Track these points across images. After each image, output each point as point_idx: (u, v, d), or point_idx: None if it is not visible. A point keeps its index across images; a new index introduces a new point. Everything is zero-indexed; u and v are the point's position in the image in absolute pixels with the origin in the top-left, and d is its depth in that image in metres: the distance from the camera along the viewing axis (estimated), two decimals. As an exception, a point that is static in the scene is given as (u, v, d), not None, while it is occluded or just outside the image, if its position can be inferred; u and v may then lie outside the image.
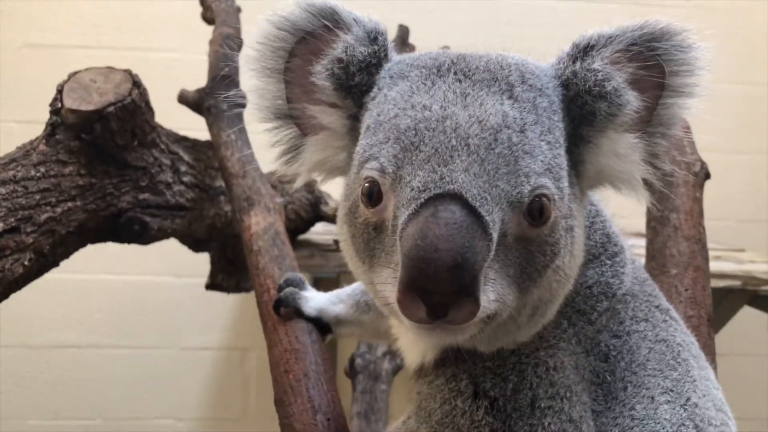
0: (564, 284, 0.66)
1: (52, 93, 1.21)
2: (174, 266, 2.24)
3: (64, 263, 1.21)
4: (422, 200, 0.56)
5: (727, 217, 2.38)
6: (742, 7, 2.43)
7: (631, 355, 0.74)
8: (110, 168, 1.25)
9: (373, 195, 0.61)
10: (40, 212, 1.11)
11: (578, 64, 0.65)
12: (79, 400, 2.27)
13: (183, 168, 1.39)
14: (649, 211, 1.17)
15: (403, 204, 0.58)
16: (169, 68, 2.14)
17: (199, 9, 1.65)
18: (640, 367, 0.73)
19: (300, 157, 0.74)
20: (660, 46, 0.64)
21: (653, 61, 0.65)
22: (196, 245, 1.56)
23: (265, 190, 1.26)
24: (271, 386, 0.94)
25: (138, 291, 2.28)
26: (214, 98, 1.42)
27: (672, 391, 0.73)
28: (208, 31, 1.58)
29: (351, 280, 1.04)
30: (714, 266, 1.20)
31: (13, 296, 1.09)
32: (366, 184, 0.61)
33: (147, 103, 1.27)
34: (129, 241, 1.33)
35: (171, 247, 1.54)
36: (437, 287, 0.53)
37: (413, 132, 0.60)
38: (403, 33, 1.65)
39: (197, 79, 1.48)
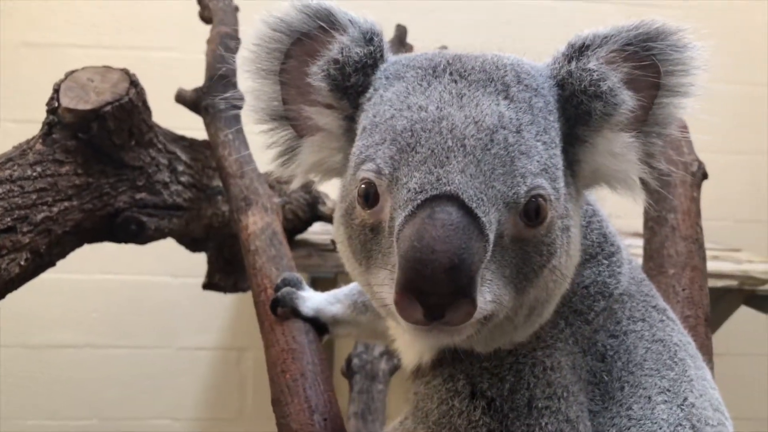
0: (560, 284, 0.66)
1: (50, 92, 1.20)
2: (171, 266, 2.24)
3: (60, 263, 1.21)
4: (419, 201, 0.56)
5: (724, 217, 2.39)
6: (740, 8, 2.43)
7: (628, 355, 0.74)
8: (107, 167, 1.25)
9: (369, 196, 0.61)
10: (36, 212, 1.11)
11: (573, 63, 0.65)
12: (76, 400, 2.27)
13: (180, 168, 1.38)
14: (646, 212, 1.17)
15: (400, 205, 0.58)
16: (167, 67, 2.13)
17: (197, 8, 1.65)
18: (637, 366, 0.73)
19: (296, 159, 0.73)
20: (655, 46, 0.64)
21: (648, 60, 0.65)
22: (193, 245, 1.56)
23: (263, 189, 1.25)
24: (268, 386, 0.94)
25: (135, 291, 2.27)
26: (212, 98, 1.42)
27: (669, 390, 0.73)
28: (206, 30, 1.57)
29: (348, 280, 1.04)
30: (711, 266, 1.20)
31: (10, 296, 1.09)
32: (362, 186, 0.61)
33: (144, 102, 1.27)
34: (126, 241, 1.33)
35: (168, 246, 1.53)
36: (434, 288, 0.53)
37: (409, 133, 0.60)
38: (401, 33, 1.65)
39: (195, 78, 1.48)
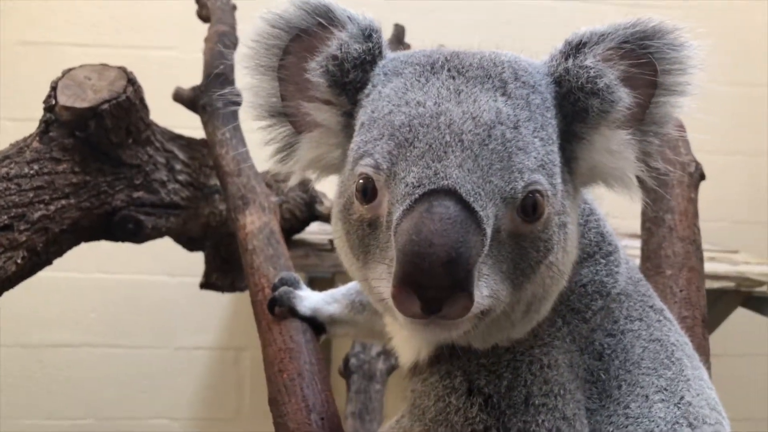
0: (557, 280, 0.66)
1: (47, 91, 1.20)
2: (168, 265, 2.24)
3: (57, 262, 1.21)
4: (417, 196, 0.57)
5: (723, 219, 2.39)
6: (739, 8, 2.43)
7: (626, 354, 0.74)
8: (104, 166, 1.24)
9: (367, 191, 0.61)
10: (33, 210, 1.11)
11: (570, 61, 0.65)
12: (73, 400, 2.27)
13: (178, 166, 1.38)
14: (643, 212, 1.17)
15: (398, 200, 0.58)
16: (165, 66, 2.13)
17: (195, 7, 1.65)
18: (634, 365, 0.74)
19: (294, 155, 0.74)
20: (652, 44, 0.65)
21: (645, 58, 0.65)
22: (190, 244, 1.56)
23: (261, 189, 1.25)
24: (266, 386, 0.93)
25: (132, 290, 2.27)
26: (209, 96, 1.41)
27: (666, 389, 0.73)
28: (203, 29, 1.57)
29: (346, 279, 1.04)
30: (708, 267, 1.20)
31: (6, 295, 1.09)
32: (360, 181, 0.62)
33: (142, 100, 1.27)
34: (123, 240, 1.32)
35: (165, 246, 1.53)
36: (432, 282, 0.53)
37: (407, 128, 0.60)
38: (399, 32, 1.65)
39: (193, 77, 1.48)
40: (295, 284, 1.02)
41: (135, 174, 1.29)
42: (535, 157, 0.60)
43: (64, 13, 2.21)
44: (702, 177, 1.21)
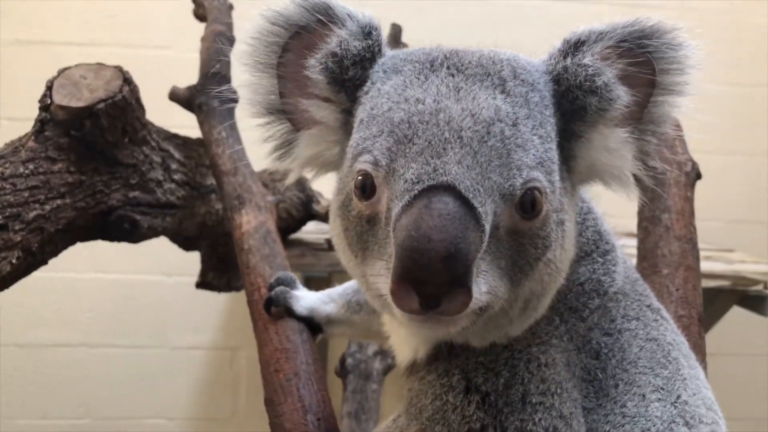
0: (555, 278, 0.66)
1: (42, 90, 1.20)
2: (164, 265, 2.23)
3: (53, 261, 1.20)
4: (416, 192, 0.57)
5: (719, 218, 2.39)
6: (738, 10, 2.44)
7: (622, 353, 0.74)
8: (100, 165, 1.24)
9: (366, 188, 0.62)
10: (28, 210, 1.10)
11: (569, 59, 0.66)
12: (69, 400, 2.26)
13: (174, 166, 1.38)
14: (640, 212, 1.17)
15: (397, 196, 0.58)
16: (161, 65, 2.13)
17: (191, 6, 1.64)
18: (631, 364, 0.74)
19: (293, 152, 0.74)
20: (650, 44, 0.65)
21: (643, 57, 0.66)
22: (186, 244, 1.55)
23: (257, 188, 1.25)
24: (262, 386, 0.93)
25: (128, 290, 2.27)
26: (206, 95, 1.41)
27: (663, 389, 0.73)
28: (200, 28, 1.57)
29: (343, 279, 1.04)
30: (704, 266, 1.20)
31: (2, 295, 1.09)
32: (359, 177, 0.62)
33: (138, 100, 1.26)
34: (119, 240, 1.32)
35: (161, 245, 1.53)
36: (430, 277, 0.54)
37: (407, 125, 0.60)
38: (396, 32, 1.64)
39: (189, 76, 1.47)
40: (291, 284, 1.02)
41: (131, 173, 1.29)
42: (533, 155, 0.61)
43: (55, 11, 2.20)
44: (698, 176, 1.21)
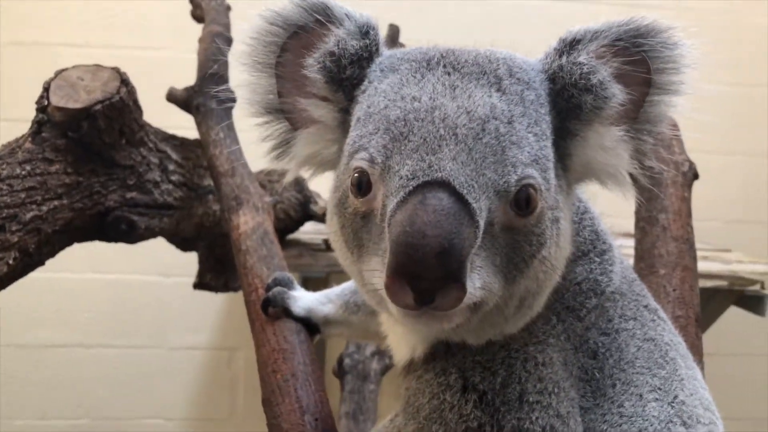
0: (550, 275, 0.67)
1: (39, 91, 1.19)
2: (162, 265, 2.23)
3: (51, 262, 1.20)
4: (411, 188, 0.57)
5: (715, 218, 2.40)
6: (736, 9, 2.44)
7: (620, 353, 0.74)
8: (97, 166, 1.24)
9: (362, 185, 0.62)
10: (25, 211, 1.10)
11: (564, 57, 0.66)
12: (66, 400, 2.26)
13: (171, 167, 1.38)
14: (637, 212, 1.17)
15: (392, 192, 0.59)
16: (158, 66, 2.12)
17: (188, 7, 1.64)
18: (628, 364, 0.74)
19: (290, 152, 0.74)
20: (645, 43, 0.65)
21: (638, 56, 0.66)
22: (184, 244, 1.55)
23: (254, 189, 1.25)
24: (259, 386, 0.93)
25: (126, 290, 2.26)
26: (203, 96, 1.41)
27: (660, 389, 0.73)
28: (197, 29, 1.57)
29: (340, 279, 1.04)
30: (701, 266, 1.20)
31: (-1, 295, 1.08)
32: (355, 174, 0.62)
33: (135, 101, 1.26)
34: (116, 240, 1.32)
35: (159, 246, 1.53)
36: (425, 273, 0.54)
37: (402, 122, 0.61)
38: (394, 32, 1.64)
39: (186, 77, 1.47)
40: (288, 284, 1.02)
41: (128, 174, 1.29)
42: (528, 152, 0.61)
43: (52, 11, 2.20)
44: (695, 176, 1.21)
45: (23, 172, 1.12)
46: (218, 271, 1.60)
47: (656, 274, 1.09)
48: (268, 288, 1.02)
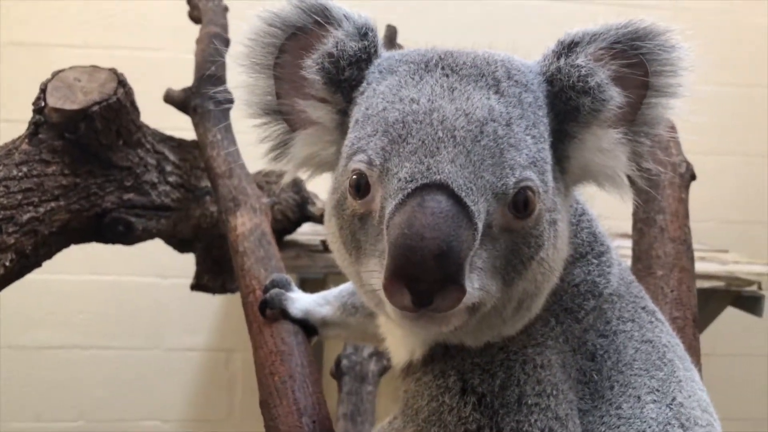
0: (548, 277, 0.67)
1: (36, 92, 1.19)
2: (159, 267, 2.23)
3: (48, 263, 1.20)
4: (409, 190, 0.57)
5: (712, 219, 2.40)
6: (733, 10, 2.44)
7: (618, 355, 0.74)
8: (94, 168, 1.24)
9: (360, 187, 0.62)
10: (22, 212, 1.10)
11: (563, 60, 0.66)
12: (62, 402, 2.25)
13: (168, 168, 1.37)
14: (635, 213, 1.17)
15: (390, 194, 0.59)
16: (156, 67, 2.12)
17: (186, 8, 1.64)
18: (626, 366, 0.74)
19: (289, 153, 0.74)
20: (643, 45, 0.66)
21: (636, 59, 0.66)
22: (181, 246, 1.55)
23: (252, 190, 1.25)
24: (257, 388, 0.93)
25: (123, 292, 2.26)
26: (201, 98, 1.41)
27: (658, 390, 0.73)
28: (195, 30, 1.57)
29: (338, 281, 1.04)
30: (698, 267, 1.20)
31: (-4, 296, 1.08)
32: (354, 176, 0.62)
33: (132, 102, 1.26)
34: (113, 242, 1.32)
35: (156, 247, 1.52)
36: (423, 275, 0.54)
37: (401, 124, 0.61)
38: (391, 33, 1.64)
39: (184, 78, 1.47)
40: (286, 286, 1.02)
41: (125, 176, 1.29)
42: (526, 154, 0.61)
43: (49, 12, 2.19)
44: (693, 177, 1.21)
45: (20, 174, 1.12)
46: (216, 272, 1.60)
47: (654, 276, 1.09)
48: (266, 289, 1.01)
